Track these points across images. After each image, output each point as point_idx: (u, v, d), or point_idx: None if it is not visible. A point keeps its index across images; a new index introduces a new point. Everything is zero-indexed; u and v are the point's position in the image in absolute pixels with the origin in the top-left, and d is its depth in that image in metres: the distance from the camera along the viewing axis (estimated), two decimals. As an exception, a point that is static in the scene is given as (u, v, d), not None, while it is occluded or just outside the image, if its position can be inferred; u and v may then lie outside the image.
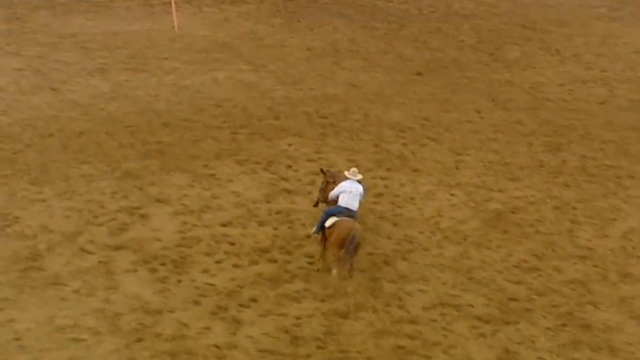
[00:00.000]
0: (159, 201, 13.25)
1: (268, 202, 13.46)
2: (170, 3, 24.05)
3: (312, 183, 14.09)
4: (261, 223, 12.73)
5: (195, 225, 12.60)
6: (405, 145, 16.18)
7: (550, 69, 21.16)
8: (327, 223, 11.53)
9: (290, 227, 12.64)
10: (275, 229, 12.61)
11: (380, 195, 13.90)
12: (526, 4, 28.03)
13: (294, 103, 17.96)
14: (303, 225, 12.62)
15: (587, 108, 18.25)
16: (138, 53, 20.80)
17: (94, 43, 21.45)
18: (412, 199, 13.81)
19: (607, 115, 17.83)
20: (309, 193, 13.76)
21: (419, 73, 20.46)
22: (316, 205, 12.48)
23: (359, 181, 11.99)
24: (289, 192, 13.82)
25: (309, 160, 15.21)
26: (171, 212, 12.89)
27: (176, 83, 19.10)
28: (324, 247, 11.56)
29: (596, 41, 23.64)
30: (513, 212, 13.42)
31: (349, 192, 11.80)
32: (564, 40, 23.69)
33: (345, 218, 11.44)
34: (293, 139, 16.12)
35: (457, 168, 15.15)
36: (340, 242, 11.15)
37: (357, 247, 11.21)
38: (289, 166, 14.91)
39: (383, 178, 14.54)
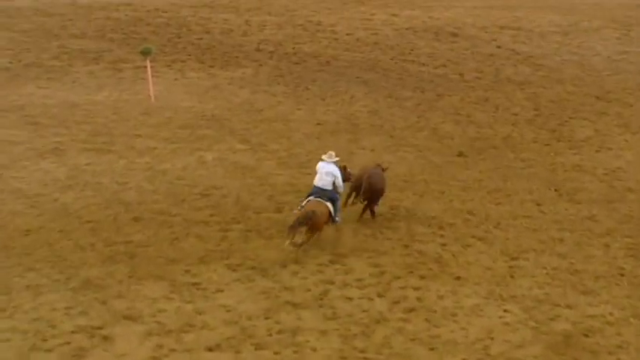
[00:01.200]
0: (126, 318, 13.32)
1: (267, 317, 13.59)
2: (145, 67, 24.61)
3: (325, 294, 14.25)
4: (258, 346, 12.80)
5: (173, 349, 12.63)
6: (443, 245, 16.40)
7: (630, 150, 21.80)
8: (302, 203, 15.91)
9: (296, 352, 12.70)
10: (276, 353, 12.66)
11: (411, 310, 13.97)
12: (598, 69, 28.97)
13: (302, 191, 18.29)
14: (314, 350, 12.72)
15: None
16: (103, 130, 21.32)
17: (47, 117, 22.02)
18: (454, 315, 13.89)
19: None
20: (320, 307, 13.92)
21: (461, 154, 21.02)
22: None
23: (335, 163, 16.20)
24: (294, 305, 13.93)
25: (320, 265, 15.37)
26: (143, 332, 12.96)
27: (151, 167, 19.61)
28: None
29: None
30: (587, 335, 13.47)
31: (320, 172, 16.25)
32: (649, 113, 24.38)
33: (313, 199, 15.93)
34: (300, 237, 16.19)
35: (512, 276, 15.29)
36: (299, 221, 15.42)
37: (307, 225, 15.45)
38: (295, 273, 15.08)
39: (415, 289, 14.63)
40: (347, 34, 32.12)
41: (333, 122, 23.14)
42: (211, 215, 17.17)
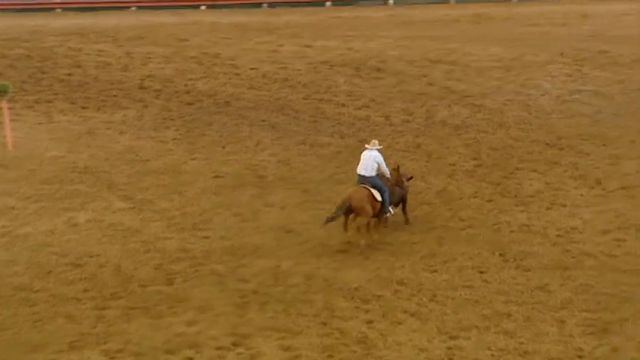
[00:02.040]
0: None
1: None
2: (0, 108, 24.78)
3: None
4: None
5: None
6: (369, 323, 16.44)
7: (587, 207, 21.78)
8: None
9: None
10: None
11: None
12: (547, 111, 29.49)
13: (198, 258, 18.41)
14: None
15: (647, 267, 18.29)
16: (-54, 186, 20.84)
17: None
18: (382, 407, 13.63)
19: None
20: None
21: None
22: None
23: (379, 150, 19.34)
24: (191, 403, 13.58)
25: (221, 349, 15.32)
26: None
27: (9, 231, 19.61)
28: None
29: (656, 166, 24.22)
30: None
31: (363, 159, 19.42)
32: (608, 164, 24.58)
33: (355, 187, 19.24)
34: (196, 315, 16.35)
35: (451, 359, 15.32)
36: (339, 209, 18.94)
37: (349, 211, 18.92)
38: (189, 359, 14.99)
39: (336, 376, 14.31)
40: (250, 69, 32.81)
41: (235, 174, 23.46)
42: (85, 290, 17.12)
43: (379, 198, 19.35)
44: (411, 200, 21.21)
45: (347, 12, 45.67)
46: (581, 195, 22.56)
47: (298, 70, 32.82)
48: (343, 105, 29.46)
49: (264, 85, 31.14)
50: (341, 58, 34.20)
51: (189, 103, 29.21)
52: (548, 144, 26.14)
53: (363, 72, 32.47)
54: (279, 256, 18.82)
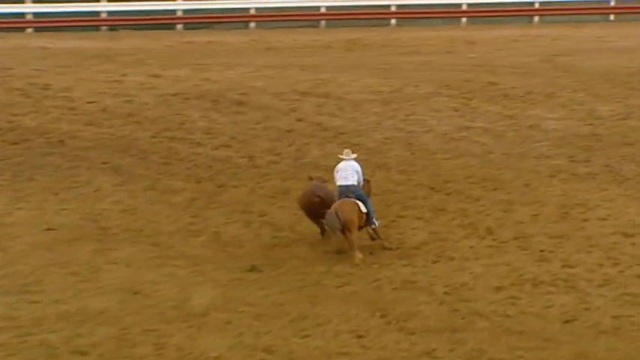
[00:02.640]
0: None
1: None
2: None
3: None
4: None
5: None
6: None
7: (478, 260, 21.99)
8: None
9: None
10: None
11: None
12: (432, 150, 29.95)
13: (26, 327, 18.04)
14: None
15: (546, 329, 18.90)
16: None
17: None
18: None
19: (576, 343, 18.28)
20: None
21: (254, 269, 21.25)
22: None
23: (355, 160, 21.43)
24: None
25: None
26: None
27: None
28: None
29: (552, 213, 24.87)
30: None
31: (343, 169, 21.36)
32: (499, 211, 24.99)
33: (342, 200, 21.12)
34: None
35: None
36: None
37: (343, 224, 20.82)
38: None
39: None
40: (88, 102, 32.94)
41: (71, 226, 23.20)
42: None
43: (364, 209, 21.35)
44: (281, 254, 21.59)
45: (201, 36, 46.70)
46: (471, 246, 22.70)
47: (145, 103, 33.07)
48: (199, 144, 29.60)
49: (105, 122, 30.98)
50: (195, 89, 34.69)
51: (15, 143, 28.99)
52: (433, 188, 26.52)
53: (222, 106, 32.91)
54: (124, 322, 18.51)
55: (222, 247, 22.43)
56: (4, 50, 41.42)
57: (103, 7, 49.44)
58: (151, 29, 48.49)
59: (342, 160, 21.92)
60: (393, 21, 52.02)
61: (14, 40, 44.11)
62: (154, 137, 30.00)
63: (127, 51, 42.09)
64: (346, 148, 22.39)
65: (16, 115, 31.06)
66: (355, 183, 21.53)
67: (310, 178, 22.92)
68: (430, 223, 24.28)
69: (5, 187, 25.64)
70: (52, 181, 26.08)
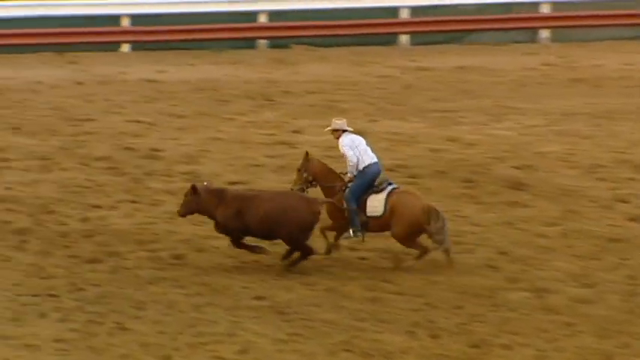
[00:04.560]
0: None
1: None
2: None
3: None
4: None
5: None
6: None
7: None
8: (373, 205, 22.99)
9: None
10: None
11: None
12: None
13: None
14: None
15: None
16: None
17: None
18: None
19: None
20: None
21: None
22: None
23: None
24: None
25: None
26: None
27: None
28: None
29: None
30: None
31: (362, 142, 23.02)
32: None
33: (399, 190, 23.00)
34: None
35: None
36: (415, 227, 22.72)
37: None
38: None
39: None
40: (231, 183, 29.61)
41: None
42: None
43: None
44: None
45: (443, 57, 42.96)
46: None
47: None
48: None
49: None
50: (434, 159, 31.40)
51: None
52: None
53: (482, 190, 29.87)
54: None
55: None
56: (89, 84, 37.79)
57: (262, 5, 44.40)
58: (346, 45, 43.74)
59: (342, 131, 22.87)
60: None
61: (101, 65, 40.36)
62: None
63: (300, 85, 38.38)
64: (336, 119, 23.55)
65: (96, 206, 26.95)
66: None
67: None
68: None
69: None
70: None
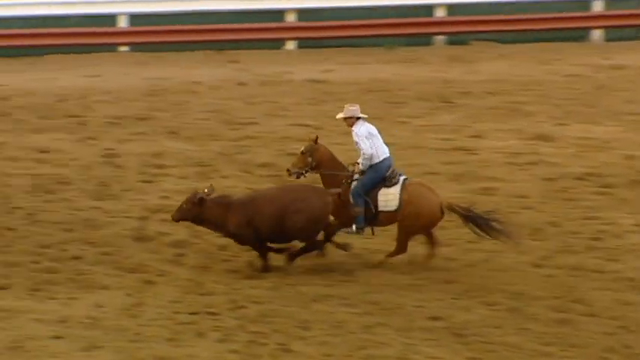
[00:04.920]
0: None
1: None
2: None
3: None
4: None
5: None
6: None
7: None
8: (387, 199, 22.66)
9: None
10: None
11: None
12: None
13: None
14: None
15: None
16: None
17: None
18: None
19: None
20: None
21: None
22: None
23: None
24: None
25: None
26: None
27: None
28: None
29: None
30: None
31: (377, 134, 22.71)
32: None
33: (412, 182, 22.69)
34: None
35: None
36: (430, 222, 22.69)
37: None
38: None
39: None
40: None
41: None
42: None
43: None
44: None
45: None
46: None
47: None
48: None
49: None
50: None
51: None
52: None
53: None
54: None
55: None
56: (251, 85, 36.69)
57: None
58: (530, 41, 42.14)
59: (356, 119, 22.44)
60: None
61: (264, 64, 39.26)
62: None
63: (480, 85, 37.02)
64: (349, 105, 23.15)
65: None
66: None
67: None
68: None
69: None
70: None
